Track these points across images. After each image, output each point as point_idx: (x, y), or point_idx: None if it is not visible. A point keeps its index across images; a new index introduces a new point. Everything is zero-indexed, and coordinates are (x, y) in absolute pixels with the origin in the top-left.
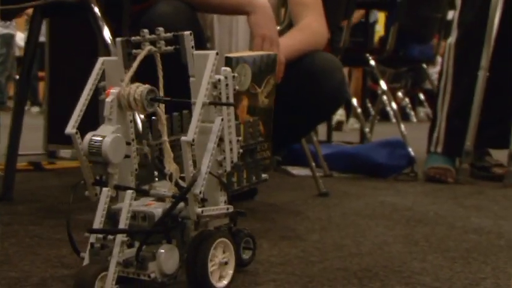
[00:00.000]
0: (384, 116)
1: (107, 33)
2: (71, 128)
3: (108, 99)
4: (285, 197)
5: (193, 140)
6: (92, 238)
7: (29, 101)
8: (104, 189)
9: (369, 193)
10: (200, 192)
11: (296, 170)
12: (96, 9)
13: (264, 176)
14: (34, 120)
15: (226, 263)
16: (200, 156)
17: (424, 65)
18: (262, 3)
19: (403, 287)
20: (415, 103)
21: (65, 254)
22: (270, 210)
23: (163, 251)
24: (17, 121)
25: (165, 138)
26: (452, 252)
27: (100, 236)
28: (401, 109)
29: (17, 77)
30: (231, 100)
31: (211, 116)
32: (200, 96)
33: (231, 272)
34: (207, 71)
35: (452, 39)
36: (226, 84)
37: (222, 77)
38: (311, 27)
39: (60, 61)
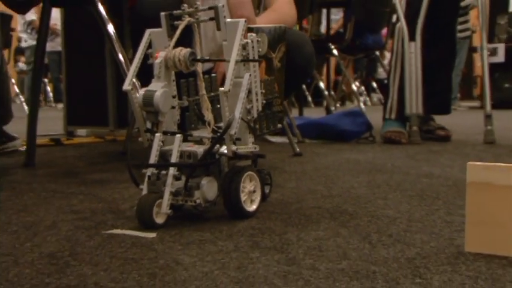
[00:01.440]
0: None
1: (110, 28)
2: (127, 86)
3: (157, 61)
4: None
5: (228, 90)
6: (149, 172)
7: (54, 99)
8: (157, 134)
9: (336, 153)
10: (234, 133)
11: (274, 139)
12: (100, 6)
13: (279, 125)
14: (60, 113)
15: (254, 191)
16: (233, 105)
17: (377, 53)
18: None
19: (369, 218)
20: (369, 90)
21: (75, 203)
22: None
23: (205, 182)
24: (34, 101)
25: (203, 92)
26: (410, 192)
27: (155, 170)
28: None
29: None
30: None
31: (241, 73)
32: (233, 55)
33: (258, 198)
34: (237, 35)
35: (399, 23)
36: (253, 47)
37: (249, 41)
38: (282, 9)
39: (74, 66)
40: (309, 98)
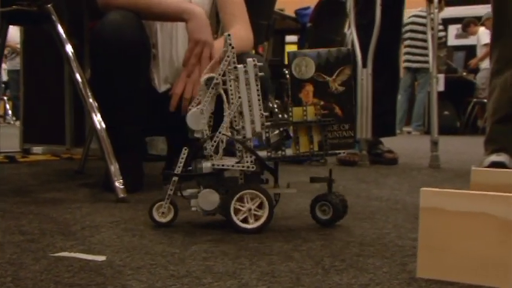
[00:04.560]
0: None
1: (69, 48)
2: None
3: None
4: None
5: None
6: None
7: (14, 116)
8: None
9: (288, 175)
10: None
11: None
12: (59, 26)
13: (341, 152)
14: (18, 130)
15: (259, 208)
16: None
17: None
18: (199, 12)
19: (322, 241)
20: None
21: (24, 223)
22: None
23: (202, 193)
24: None
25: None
26: (361, 215)
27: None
28: None
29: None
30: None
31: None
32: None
33: (264, 215)
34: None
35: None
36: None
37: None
38: (239, 34)
39: (32, 83)
40: None
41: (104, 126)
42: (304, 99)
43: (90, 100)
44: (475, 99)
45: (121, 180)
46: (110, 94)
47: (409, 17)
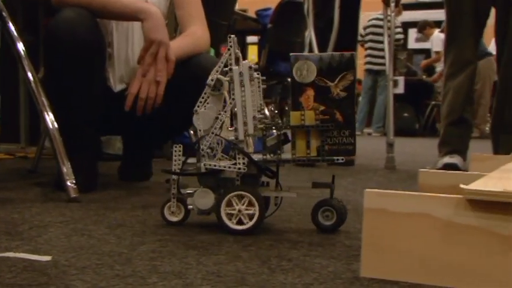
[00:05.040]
0: None
1: (20, 46)
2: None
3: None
4: None
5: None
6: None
7: None
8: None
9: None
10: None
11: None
12: (10, 23)
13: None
14: None
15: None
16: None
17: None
18: (154, 12)
19: (271, 242)
20: (283, 114)
21: None
22: (162, 188)
23: (197, 192)
24: None
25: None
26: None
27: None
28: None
29: None
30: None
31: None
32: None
33: (255, 217)
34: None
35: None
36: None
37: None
38: (196, 34)
39: None
40: None
41: (56, 125)
42: (305, 103)
43: (43, 99)
44: (433, 102)
45: (73, 180)
46: (64, 93)
47: (370, 20)
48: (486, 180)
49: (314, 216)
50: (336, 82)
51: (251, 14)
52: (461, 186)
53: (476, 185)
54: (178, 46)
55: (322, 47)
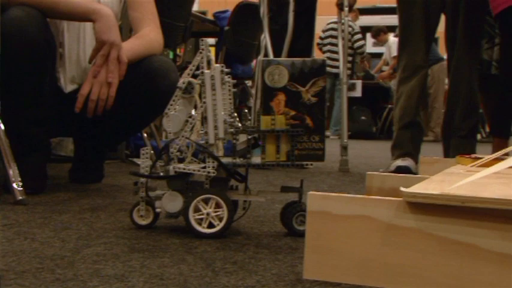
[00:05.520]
0: None
1: None
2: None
3: None
4: (127, 180)
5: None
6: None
7: None
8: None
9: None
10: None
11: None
12: None
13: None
14: None
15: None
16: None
17: (248, 83)
18: (106, 12)
19: (218, 244)
20: (241, 117)
21: None
22: (113, 190)
23: (165, 195)
24: None
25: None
26: (262, 218)
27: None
28: None
29: None
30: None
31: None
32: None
33: (223, 219)
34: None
35: (260, 56)
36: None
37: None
38: (149, 36)
39: None
40: None
41: (1, 126)
42: (275, 108)
43: None
44: (390, 105)
45: (20, 182)
46: (12, 94)
47: (329, 23)
48: (427, 183)
49: (287, 221)
50: (307, 87)
51: (210, 16)
52: (401, 189)
53: (416, 188)
54: (131, 48)
55: (277, 51)
